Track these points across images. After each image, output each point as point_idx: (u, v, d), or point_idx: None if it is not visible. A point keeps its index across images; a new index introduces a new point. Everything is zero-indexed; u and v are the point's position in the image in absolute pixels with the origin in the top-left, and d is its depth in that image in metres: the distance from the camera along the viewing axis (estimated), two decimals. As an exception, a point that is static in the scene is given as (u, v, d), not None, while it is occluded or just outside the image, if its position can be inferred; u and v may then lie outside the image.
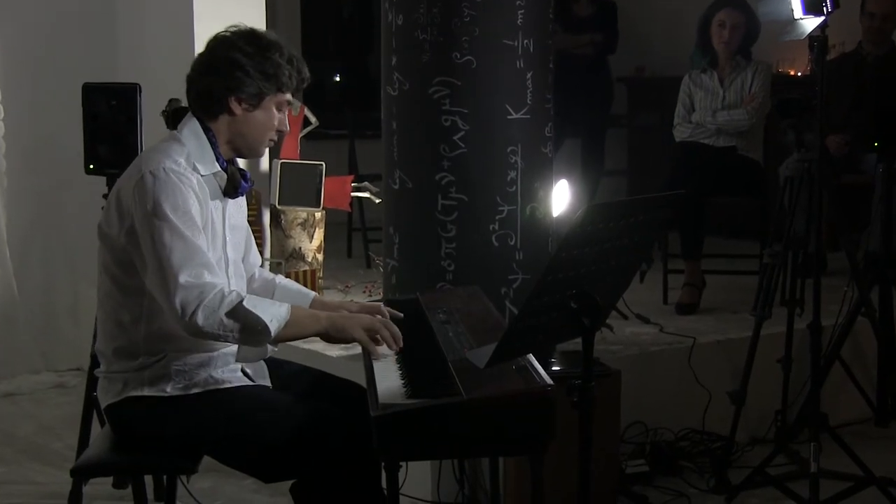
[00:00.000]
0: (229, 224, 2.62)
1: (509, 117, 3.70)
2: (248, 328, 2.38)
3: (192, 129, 2.56)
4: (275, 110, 2.56)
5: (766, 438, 4.19)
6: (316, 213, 4.88)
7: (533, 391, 2.20)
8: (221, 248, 2.58)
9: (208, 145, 2.55)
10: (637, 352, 4.09)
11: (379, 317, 2.64)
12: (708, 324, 4.58)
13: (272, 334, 2.40)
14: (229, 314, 2.35)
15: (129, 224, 2.44)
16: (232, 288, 2.44)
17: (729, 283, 5.25)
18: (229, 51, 2.52)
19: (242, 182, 2.61)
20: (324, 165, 4.84)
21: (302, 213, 4.84)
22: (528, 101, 3.72)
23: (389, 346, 2.54)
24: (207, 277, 2.37)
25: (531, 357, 2.36)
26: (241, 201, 2.71)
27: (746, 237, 5.82)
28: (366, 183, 5.24)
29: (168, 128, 4.18)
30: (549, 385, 2.21)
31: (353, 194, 5.16)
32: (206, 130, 2.55)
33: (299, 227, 4.84)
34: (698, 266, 4.97)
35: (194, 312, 2.33)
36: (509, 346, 2.19)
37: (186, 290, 2.34)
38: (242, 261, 2.75)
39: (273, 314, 2.41)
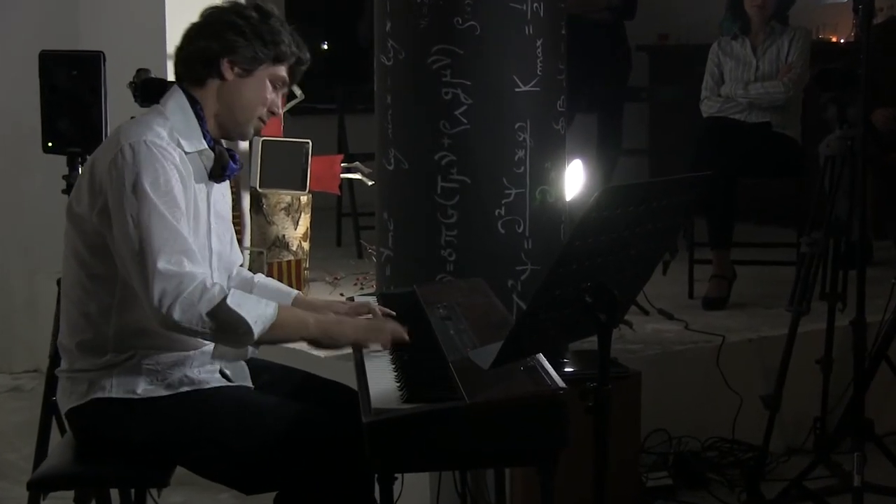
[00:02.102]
0: (214, 211, 2.63)
1: (517, 90, 3.70)
2: (229, 328, 2.39)
3: (177, 101, 2.57)
4: (269, 83, 2.59)
5: (803, 448, 4.20)
6: (301, 197, 4.88)
7: (543, 395, 2.21)
8: (205, 237, 2.59)
9: (195, 120, 2.56)
10: (659, 351, 4.10)
11: (379, 321, 2.64)
12: (739, 320, 4.59)
13: (255, 337, 2.41)
14: (210, 312, 2.36)
15: (103, 203, 2.44)
16: (215, 281, 2.44)
17: (762, 274, 5.26)
18: (227, 14, 2.59)
19: (230, 163, 2.61)
20: (310, 144, 4.83)
21: (286, 196, 4.84)
22: (539, 72, 3.73)
23: (399, 343, 2.56)
24: (188, 266, 2.37)
25: (541, 357, 2.36)
26: (225, 188, 2.72)
27: (782, 223, 5.82)
28: (357, 163, 5.24)
29: (136, 101, 4.18)
30: (561, 388, 2.22)
31: (343, 176, 5.16)
32: (194, 104, 2.56)
33: (283, 212, 4.85)
34: (728, 256, 4.98)
35: (172, 305, 2.34)
36: (517, 345, 2.20)
37: (165, 278, 2.34)
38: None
39: (258, 315, 2.41)
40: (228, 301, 2.37)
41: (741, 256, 5.15)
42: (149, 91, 4.07)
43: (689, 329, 4.38)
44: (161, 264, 2.35)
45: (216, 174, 2.60)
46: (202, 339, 2.44)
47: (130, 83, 3.75)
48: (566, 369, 3.34)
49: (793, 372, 3.98)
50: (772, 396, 3.96)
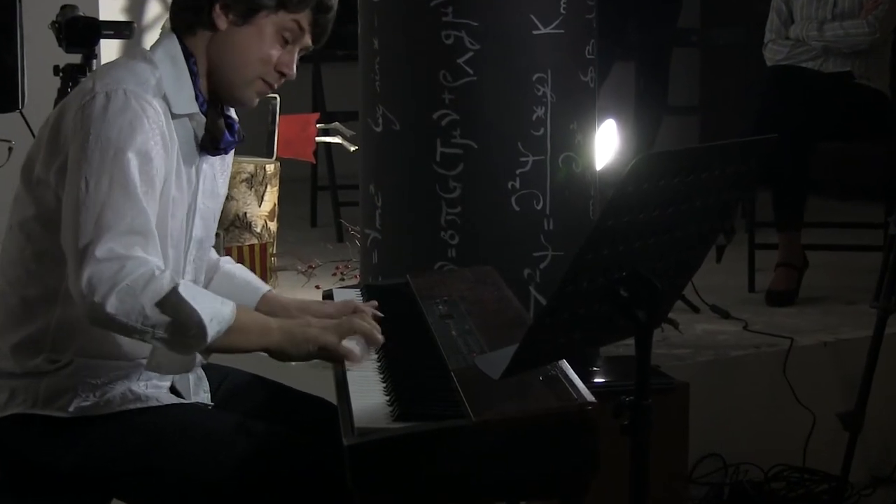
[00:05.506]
0: (203, 190, 2.62)
1: (536, 32, 3.71)
2: (177, 326, 2.36)
3: (168, 49, 2.55)
4: (273, 37, 2.55)
5: (892, 478, 4.22)
6: (267, 166, 4.89)
7: (568, 411, 2.22)
8: (185, 222, 2.58)
9: (187, 75, 2.54)
10: (712, 357, 4.11)
11: (344, 347, 2.62)
12: (811, 319, 4.60)
13: (208, 338, 2.38)
14: (157, 304, 2.34)
15: (63, 160, 2.43)
16: (163, 267, 2.43)
17: (841, 262, 5.26)
18: None
19: (226, 134, 2.60)
20: (278, 100, 4.84)
21: (248, 165, 4.85)
22: (562, 10, 3.73)
23: (371, 343, 2.54)
24: (139, 251, 2.36)
25: (565, 364, 2.37)
26: (225, 161, 2.71)
27: (866, 198, 5.83)
28: (336, 124, 5.25)
29: (61, 45, 4.19)
30: (591, 403, 2.22)
31: (319, 140, 5.17)
32: (188, 56, 2.55)
33: (244, 184, 4.86)
34: (798, 239, 4.98)
35: (107, 295, 2.32)
36: (534, 350, 2.21)
37: (103, 263, 2.33)
38: None
39: (214, 312, 2.39)
40: (180, 290, 2.36)
41: (815, 240, 5.16)
42: (76, 33, 4.08)
43: (750, 330, 4.39)
44: (103, 247, 2.33)
45: (207, 145, 2.58)
46: (140, 339, 2.42)
47: (53, 23, 3.76)
48: (596, 380, 3.35)
49: (878, 384, 3.99)
50: (852, 414, 3.97)
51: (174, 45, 2.55)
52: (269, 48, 2.56)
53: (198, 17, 2.55)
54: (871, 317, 4.02)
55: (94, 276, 2.32)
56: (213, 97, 2.60)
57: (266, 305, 2.80)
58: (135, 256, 2.34)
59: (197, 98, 2.55)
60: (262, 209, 4.89)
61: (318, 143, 5.24)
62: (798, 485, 4.08)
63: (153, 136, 2.43)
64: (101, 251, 2.33)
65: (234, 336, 2.43)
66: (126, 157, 2.39)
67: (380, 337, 2.56)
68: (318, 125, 5.12)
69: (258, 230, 4.87)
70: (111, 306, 2.32)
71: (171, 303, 2.34)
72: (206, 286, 2.79)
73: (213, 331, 2.38)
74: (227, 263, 2.87)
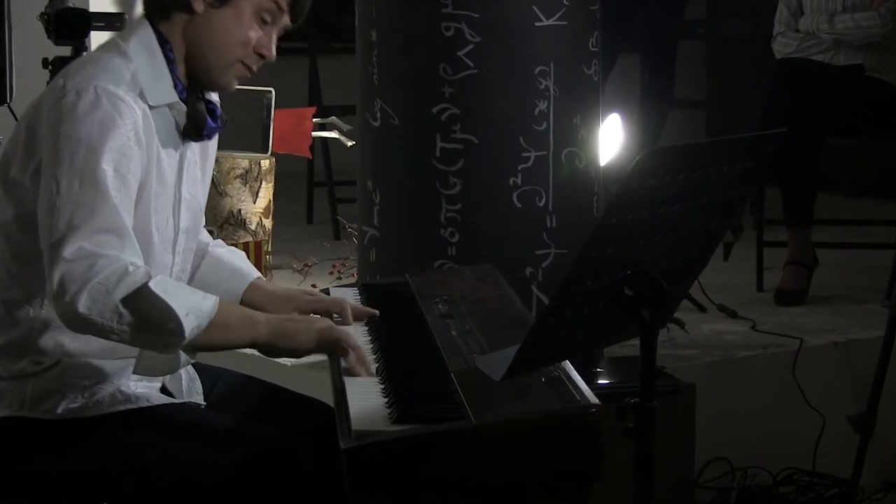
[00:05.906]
0: (188, 177, 2.62)
1: (538, 24, 3.70)
2: (152, 322, 2.35)
3: (142, 39, 2.54)
4: (251, 18, 2.54)
5: (904, 482, 4.22)
6: (262, 162, 4.88)
7: (570, 413, 2.22)
8: (171, 212, 2.58)
9: (164, 64, 2.53)
10: (719, 358, 4.11)
11: (341, 328, 2.62)
12: (821, 319, 4.59)
13: (186, 335, 2.37)
14: (127, 299, 2.33)
15: (39, 161, 2.43)
16: (140, 264, 2.42)
17: (852, 260, 5.26)
18: None
19: (209, 120, 2.60)
20: (273, 93, 4.84)
21: (242, 161, 4.85)
22: (565, 2, 3.72)
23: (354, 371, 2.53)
24: (112, 249, 2.36)
25: (568, 365, 2.37)
26: (210, 147, 2.71)
27: (878, 195, 5.82)
28: (333, 118, 5.25)
29: (50, 37, 4.19)
30: (594, 405, 2.22)
31: (315, 134, 5.17)
32: (163, 43, 2.55)
33: (238, 180, 4.85)
34: (808, 237, 4.98)
35: (78, 292, 2.31)
36: (536, 350, 2.21)
37: (73, 263, 2.31)
38: None
39: (191, 307, 2.37)
40: (153, 286, 2.34)
41: (825, 237, 5.15)
42: (66, 25, 4.07)
43: (758, 330, 4.39)
44: (74, 244, 2.33)
45: (190, 133, 2.58)
46: (117, 339, 2.41)
47: (42, 15, 3.76)
48: (600, 381, 3.35)
49: (890, 385, 3.98)
50: (863, 416, 3.96)
51: (148, 33, 2.55)
52: (248, 30, 2.55)
53: (173, 0, 2.54)
54: (882, 316, 4.02)
55: (66, 275, 2.31)
56: (192, 82, 2.60)
57: (254, 293, 2.80)
58: (106, 254, 2.33)
59: (176, 86, 2.55)
60: (257, 206, 4.88)
61: (315, 138, 5.24)
62: (807, 489, 4.08)
63: (125, 133, 2.42)
64: (69, 250, 2.32)
65: (216, 331, 2.41)
66: (96, 156, 2.38)
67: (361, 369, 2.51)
68: (314, 119, 5.12)
69: (253, 227, 4.87)
70: (83, 305, 2.31)
71: (144, 299, 2.33)
72: (193, 272, 2.79)
73: (190, 326, 2.36)
74: (218, 247, 2.86)
